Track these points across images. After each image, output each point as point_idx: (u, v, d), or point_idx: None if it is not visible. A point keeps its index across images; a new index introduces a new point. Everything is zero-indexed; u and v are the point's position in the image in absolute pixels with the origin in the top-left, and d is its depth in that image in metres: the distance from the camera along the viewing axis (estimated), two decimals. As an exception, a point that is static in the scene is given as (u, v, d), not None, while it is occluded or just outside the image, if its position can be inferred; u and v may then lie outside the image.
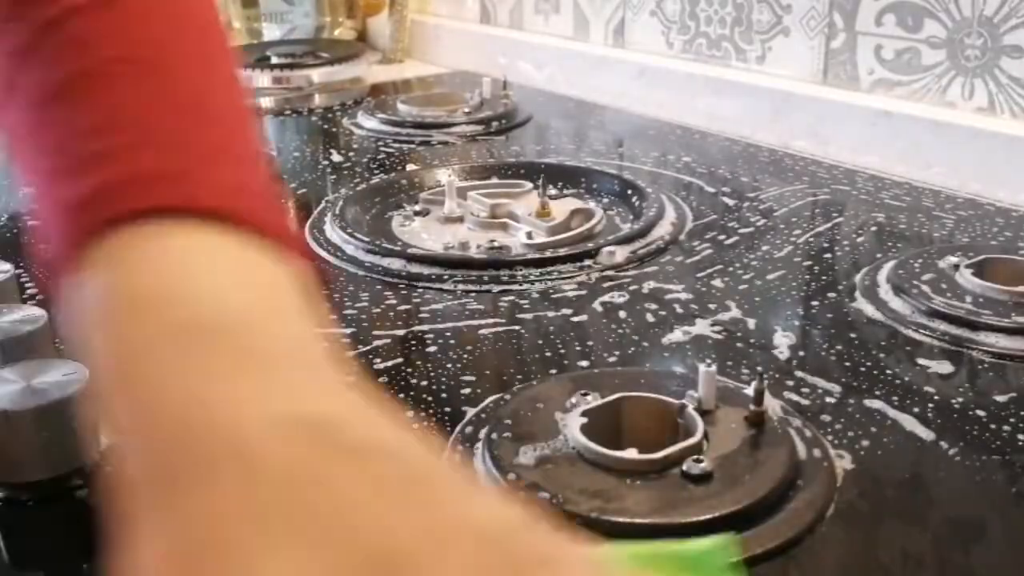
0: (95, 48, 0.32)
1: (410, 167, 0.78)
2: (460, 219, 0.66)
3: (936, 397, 0.45)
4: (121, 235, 0.27)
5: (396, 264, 0.59)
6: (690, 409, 0.39)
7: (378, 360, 0.52)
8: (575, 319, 0.54)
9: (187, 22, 0.33)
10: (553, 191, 0.70)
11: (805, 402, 0.45)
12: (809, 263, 0.61)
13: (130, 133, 0.30)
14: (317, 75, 1.09)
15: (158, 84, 0.31)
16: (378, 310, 0.55)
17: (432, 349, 0.53)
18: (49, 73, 0.32)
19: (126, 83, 0.31)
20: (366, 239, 0.61)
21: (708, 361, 0.40)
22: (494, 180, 0.73)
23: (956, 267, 0.54)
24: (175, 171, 0.29)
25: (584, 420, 0.39)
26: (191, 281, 0.26)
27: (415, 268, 0.58)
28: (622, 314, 0.54)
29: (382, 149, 0.85)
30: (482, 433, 0.40)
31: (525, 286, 0.57)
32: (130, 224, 0.27)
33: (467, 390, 0.48)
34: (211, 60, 0.33)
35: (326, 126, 0.95)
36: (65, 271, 0.28)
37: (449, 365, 0.51)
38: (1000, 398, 0.45)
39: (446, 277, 0.57)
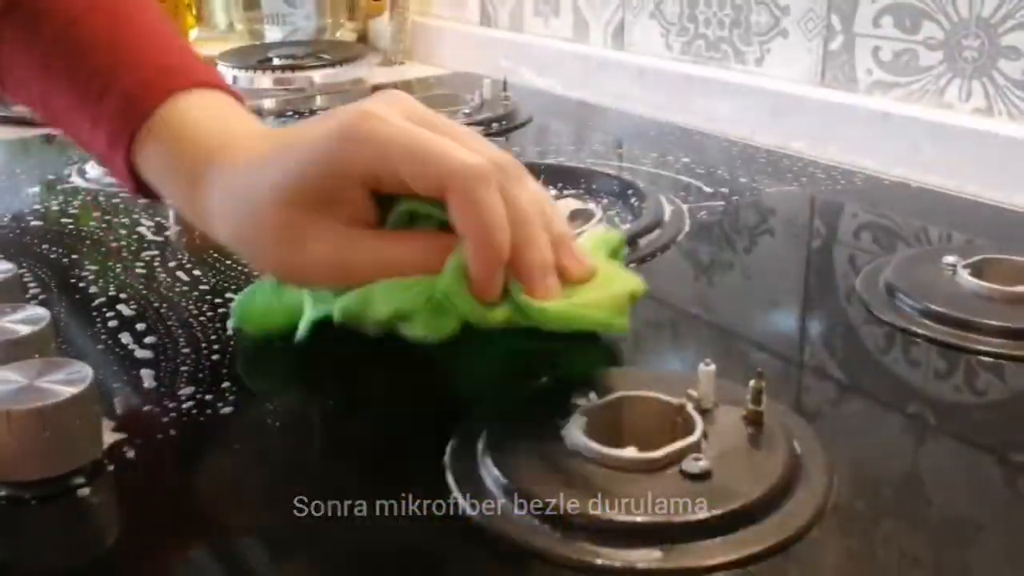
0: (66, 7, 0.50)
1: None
2: (460, 220, 0.66)
3: (934, 397, 0.45)
4: (164, 109, 0.47)
5: (396, 265, 0.59)
6: (689, 408, 0.39)
7: (378, 359, 0.53)
8: (575, 319, 0.54)
9: None
10: (553, 191, 0.70)
11: (804, 401, 0.45)
12: (808, 263, 0.62)
13: (126, 53, 0.49)
14: (319, 77, 1.10)
15: (123, 18, 0.50)
16: (378, 310, 0.56)
17: (432, 349, 0.53)
18: (40, 31, 0.50)
19: (103, 22, 0.50)
20: (366, 240, 0.61)
21: (707, 360, 0.40)
22: (494, 181, 0.73)
23: (954, 268, 0.54)
24: (171, 66, 0.49)
25: (584, 419, 0.39)
26: (216, 121, 0.48)
27: (415, 269, 0.58)
28: (621, 314, 0.54)
29: (382, 150, 0.85)
30: (482, 433, 0.40)
31: (525, 286, 0.57)
32: (165, 103, 0.47)
33: (467, 390, 0.48)
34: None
35: (326, 127, 0.95)
36: (120, 156, 0.48)
37: (449, 365, 0.51)
38: (998, 398, 0.45)
39: (446, 278, 0.57)
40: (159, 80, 0.48)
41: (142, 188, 0.50)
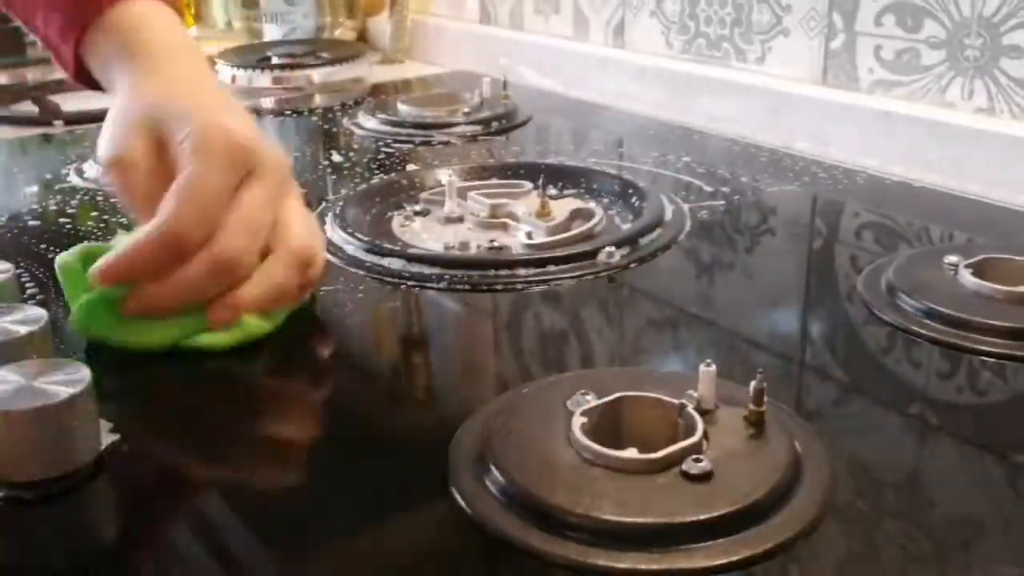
0: None
1: (410, 167, 0.79)
2: (460, 219, 0.66)
3: (936, 398, 0.45)
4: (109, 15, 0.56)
5: (396, 264, 0.59)
6: (690, 409, 0.39)
7: (378, 360, 0.52)
8: (575, 319, 0.54)
9: None
10: (553, 191, 0.70)
11: (805, 402, 0.45)
12: (809, 263, 0.62)
13: None
14: (317, 75, 1.09)
15: None
16: (378, 310, 0.56)
17: (432, 349, 0.53)
18: None
19: None
20: (366, 239, 0.61)
21: (708, 361, 0.40)
22: (494, 180, 0.73)
23: (956, 267, 0.54)
24: None
25: (584, 420, 0.39)
26: (156, 30, 0.56)
27: (415, 268, 0.58)
28: (622, 314, 0.54)
29: (382, 149, 0.85)
30: (482, 434, 0.40)
31: (525, 286, 0.57)
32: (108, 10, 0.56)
33: (467, 390, 0.48)
34: None
35: (326, 126, 0.95)
36: (71, 48, 0.58)
37: (449, 365, 0.51)
38: (1000, 398, 0.45)
39: (446, 277, 0.57)
40: None
41: (81, 75, 0.59)
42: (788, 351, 0.50)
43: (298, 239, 0.49)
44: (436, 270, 0.58)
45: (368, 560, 0.36)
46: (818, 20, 0.83)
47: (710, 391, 0.40)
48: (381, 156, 0.83)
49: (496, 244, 0.62)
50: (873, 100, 0.80)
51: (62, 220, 0.69)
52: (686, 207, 0.68)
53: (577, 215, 0.65)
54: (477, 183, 0.71)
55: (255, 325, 0.49)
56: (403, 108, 0.94)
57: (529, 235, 0.63)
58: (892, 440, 0.42)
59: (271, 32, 1.24)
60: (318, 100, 1.05)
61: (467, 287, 0.57)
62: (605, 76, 1.00)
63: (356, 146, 0.87)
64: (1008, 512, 0.37)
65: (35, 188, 0.76)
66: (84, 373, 0.39)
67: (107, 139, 0.51)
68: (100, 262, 0.47)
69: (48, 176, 0.79)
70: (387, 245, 0.61)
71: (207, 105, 0.51)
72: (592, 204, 0.68)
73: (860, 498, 0.37)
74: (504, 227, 0.65)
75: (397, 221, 0.67)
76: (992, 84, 0.73)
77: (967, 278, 0.53)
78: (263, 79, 1.09)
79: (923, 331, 0.49)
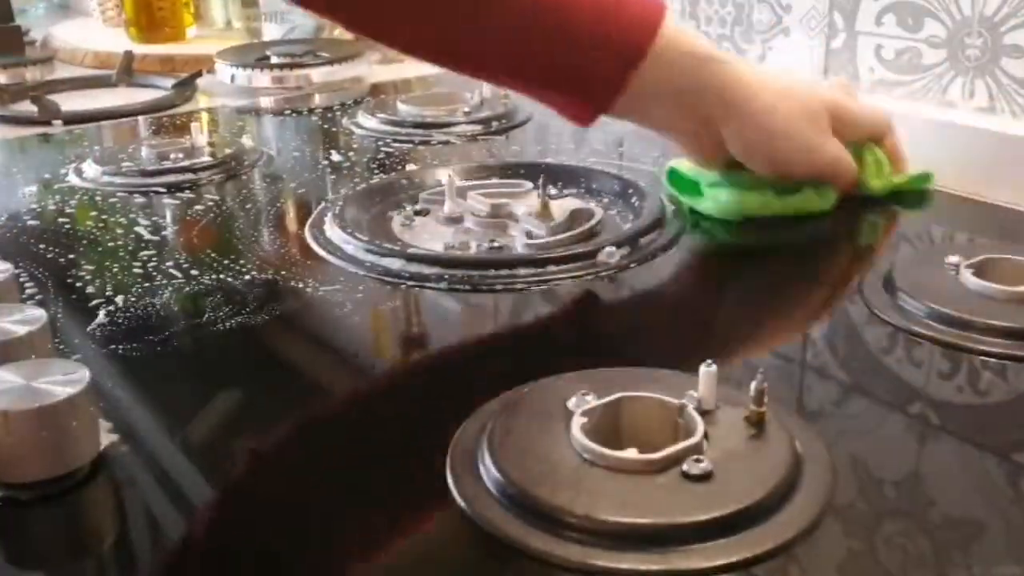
0: None
1: (410, 167, 0.78)
2: (460, 219, 0.66)
3: (937, 397, 0.45)
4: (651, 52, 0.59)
5: (396, 264, 0.58)
6: (690, 409, 0.39)
7: (377, 360, 0.52)
8: (574, 319, 0.54)
9: None
10: (553, 191, 0.70)
11: (806, 402, 0.45)
12: (810, 263, 0.61)
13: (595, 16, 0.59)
14: (317, 75, 1.09)
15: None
16: (378, 310, 0.55)
17: (432, 349, 0.53)
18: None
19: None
20: (366, 239, 0.61)
21: (708, 361, 0.40)
22: (494, 180, 0.72)
23: (957, 267, 0.54)
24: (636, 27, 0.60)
25: (583, 420, 0.38)
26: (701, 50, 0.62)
27: (415, 268, 0.58)
28: (622, 314, 0.54)
29: (382, 149, 0.85)
30: (481, 434, 0.39)
31: (525, 286, 0.57)
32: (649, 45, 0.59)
33: (467, 391, 0.47)
34: None
35: (326, 126, 0.95)
36: (616, 91, 0.61)
37: (449, 365, 0.50)
38: (1001, 399, 0.45)
39: (446, 277, 0.57)
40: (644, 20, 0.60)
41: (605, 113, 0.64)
42: (789, 351, 0.50)
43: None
44: (436, 270, 0.58)
45: (368, 560, 0.35)
46: (819, 19, 0.83)
47: (711, 391, 0.40)
48: (381, 156, 0.83)
49: (496, 244, 0.62)
50: (874, 99, 0.80)
51: (61, 220, 0.69)
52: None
53: (577, 215, 0.65)
54: (477, 183, 0.71)
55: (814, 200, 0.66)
56: (403, 108, 0.93)
57: (529, 235, 0.63)
58: (893, 440, 0.42)
59: (270, 31, 1.24)
60: (317, 100, 1.05)
61: (467, 287, 0.56)
62: (605, 76, 1.00)
63: (356, 146, 0.87)
64: (1009, 512, 0.37)
65: (34, 188, 0.76)
66: (83, 373, 0.39)
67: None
68: None
69: (47, 176, 0.79)
70: (387, 245, 0.61)
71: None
72: (592, 204, 0.68)
73: (861, 498, 0.37)
74: (504, 227, 0.65)
75: (397, 221, 0.67)
76: (993, 84, 0.73)
77: (968, 278, 0.52)
78: (262, 78, 1.09)
79: (924, 331, 0.49)
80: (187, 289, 0.56)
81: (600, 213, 0.65)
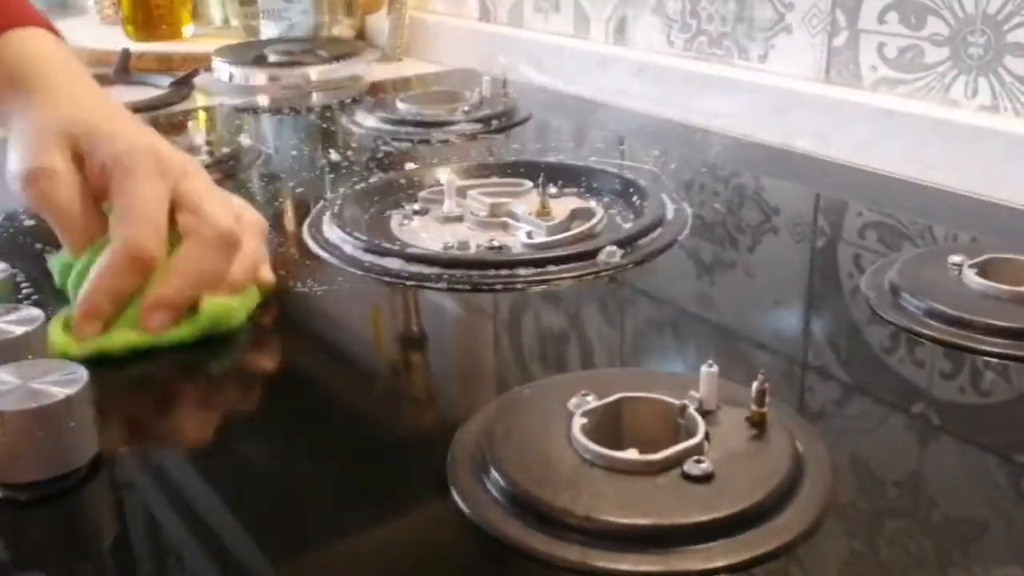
0: None
1: (409, 166, 0.78)
2: (459, 218, 0.66)
3: (939, 398, 0.45)
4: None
5: (395, 264, 0.58)
6: (691, 410, 0.39)
7: (377, 360, 0.52)
8: (575, 319, 0.53)
9: None
10: (553, 190, 0.69)
11: (807, 402, 0.44)
12: (811, 262, 0.61)
13: None
14: (315, 73, 1.09)
15: None
16: (377, 310, 0.55)
17: (432, 349, 0.52)
18: None
19: None
20: (365, 238, 0.61)
21: (710, 361, 0.39)
22: (494, 179, 0.72)
23: (959, 267, 0.53)
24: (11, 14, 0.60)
25: (584, 420, 0.38)
26: (44, 56, 0.59)
27: (414, 268, 0.58)
28: (623, 314, 0.54)
29: (381, 148, 0.85)
30: (482, 434, 0.39)
31: (525, 286, 0.56)
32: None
33: (467, 391, 0.47)
34: None
35: (324, 125, 0.94)
36: None
37: (449, 365, 0.50)
38: (1004, 399, 0.45)
39: (445, 277, 0.57)
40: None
41: None
42: (790, 352, 0.49)
43: (210, 221, 0.50)
44: (435, 270, 0.57)
45: (367, 561, 0.35)
46: (821, 17, 0.83)
47: (712, 392, 0.39)
48: (380, 155, 0.83)
49: (496, 244, 0.62)
50: (876, 98, 0.79)
51: (60, 219, 0.68)
52: (687, 206, 0.68)
53: (577, 214, 0.64)
54: (476, 182, 0.70)
55: (218, 310, 0.49)
56: (402, 106, 0.93)
57: (529, 234, 0.62)
58: (894, 440, 0.42)
59: (268, 30, 1.23)
60: (316, 98, 1.04)
61: (467, 287, 0.56)
62: (606, 74, 1.00)
63: (354, 144, 0.87)
64: (1010, 513, 0.37)
65: (33, 186, 0.76)
66: (81, 373, 0.39)
67: (20, 155, 0.52)
68: (78, 304, 0.48)
69: (46, 174, 0.78)
70: (386, 244, 0.60)
71: (118, 121, 0.55)
72: (592, 203, 0.68)
73: (862, 499, 0.37)
74: (504, 226, 0.65)
75: (396, 220, 0.67)
76: (996, 82, 0.73)
77: (971, 278, 0.52)
78: (260, 77, 1.09)
79: (926, 331, 0.49)
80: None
81: (600, 212, 0.65)
